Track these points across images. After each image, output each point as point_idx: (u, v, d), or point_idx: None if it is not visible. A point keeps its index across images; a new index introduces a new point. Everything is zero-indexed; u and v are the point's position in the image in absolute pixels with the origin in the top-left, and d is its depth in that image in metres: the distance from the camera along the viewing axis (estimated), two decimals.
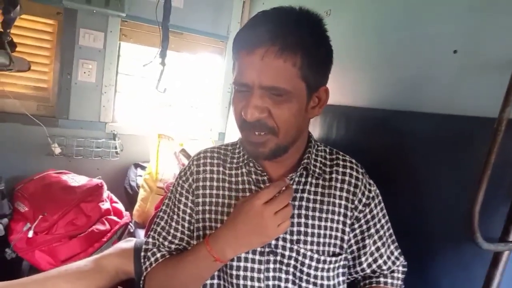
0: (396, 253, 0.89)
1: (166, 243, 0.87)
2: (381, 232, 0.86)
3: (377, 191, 0.88)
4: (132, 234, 1.79)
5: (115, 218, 1.75)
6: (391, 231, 0.89)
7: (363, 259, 0.86)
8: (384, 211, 0.88)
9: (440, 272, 0.88)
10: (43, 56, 1.99)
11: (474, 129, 0.86)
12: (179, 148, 2.06)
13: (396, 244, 0.89)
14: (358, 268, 0.87)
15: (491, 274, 0.75)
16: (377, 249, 0.86)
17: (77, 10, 1.94)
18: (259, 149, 0.75)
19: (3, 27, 1.44)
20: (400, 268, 0.89)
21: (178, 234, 0.87)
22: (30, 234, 1.53)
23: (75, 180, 1.79)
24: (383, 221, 0.87)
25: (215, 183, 0.86)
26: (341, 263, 0.83)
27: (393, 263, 0.88)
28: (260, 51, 0.68)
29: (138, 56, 2.21)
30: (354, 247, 0.86)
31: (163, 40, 1.75)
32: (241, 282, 0.79)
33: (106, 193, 1.84)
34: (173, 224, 0.88)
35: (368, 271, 0.87)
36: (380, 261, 0.86)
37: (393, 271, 0.88)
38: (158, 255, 0.85)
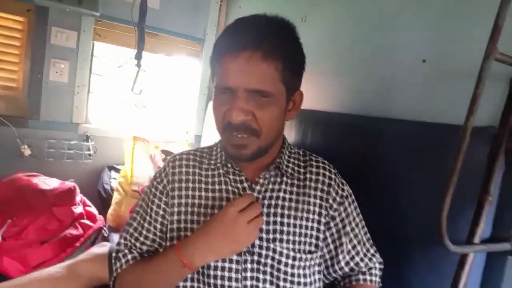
0: (372, 250, 0.91)
1: (138, 244, 0.87)
2: (356, 230, 0.89)
3: (350, 190, 0.92)
4: (106, 239, 1.76)
5: (88, 222, 1.71)
6: (365, 229, 0.92)
7: (340, 257, 0.88)
8: (358, 209, 0.92)
9: (411, 273, 0.91)
10: (13, 54, 1.92)
11: (444, 136, 0.89)
12: (155, 151, 2.04)
13: (371, 241, 0.92)
14: (337, 267, 0.89)
15: (458, 274, 0.79)
16: (354, 247, 0.88)
17: (48, 8, 1.89)
18: (242, 151, 0.77)
19: None
20: (377, 265, 0.92)
21: (150, 235, 0.86)
22: None
23: (46, 183, 1.73)
24: (357, 219, 0.90)
25: (190, 184, 0.87)
26: (317, 261, 0.86)
27: (370, 260, 0.90)
28: (245, 55, 0.71)
29: (112, 56, 2.17)
30: (332, 246, 0.88)
31: (139, 42, 1.74)
32: (219, 282, 0.79)
33: (79, 197, 1.79)
34: (146, 225, 0.87)
35: (346, 269, 0.89)
36: (357, 259, 0.89)
37: (370, 268, 0.91)
38: (129, 256, 0.85)
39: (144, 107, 2.36)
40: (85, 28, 2.02)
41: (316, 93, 1.38)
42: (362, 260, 0.90)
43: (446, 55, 0.98)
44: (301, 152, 0.94)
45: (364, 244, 0.91)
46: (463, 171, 0.68)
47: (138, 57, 1.76)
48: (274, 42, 0.72)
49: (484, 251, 0.82)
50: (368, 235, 0.93)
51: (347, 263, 0.89)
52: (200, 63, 2.44)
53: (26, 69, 1.94)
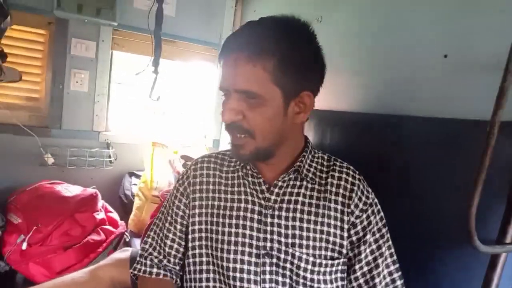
0: (396, 276, 0.84)
1: (161, 243, 0.92)
2: (380, 242, 0.83)
3: (376, 200, 0.87)
4: (128, 244, 1.78)
5: (110, 227, 1.73)
6: (392, 249, 0.85)
7: (357, 267, 0.83)
8: (384, 223, 0.86)
9: (439, 274, 0.88)
10: (35, 66, 1.98)
11: (468, 132, 0.87)
12: (174, 156, 2.05)
13: (397, 265, 0.85)
14: (352, 276, 0.84)
15: (489, 276, 0.75)
16: (374, 259, 0.83)
17: (68, 20, 1.94)
18: (240, 151, 0.79)
19: None
20: None
21: (170, 235, 0.91)
22: (24, 246, 1.51)
23: (69, 190, 1.77)
24: (383, 231, 0.85)
25: (211, 186, 0.89)
26: (339, 267, 0.83)
27: (387, 284, 0.84)
28: (233, 57, 0.74)
29: (131, 65, 2.21)
30: (350, 254, 0.84)
31: (155, 49, 1.76)
32: (238, 283, 0.80)
33: (100, 203, 1.82)
34: (167, 225, 0.93)
35: (361, 281, 0.83)
36: (374, 272, 0.82)
37: None
38: (154, 270, 0.90)
39: (163, 114, 2.38)
40: (104, 38, 2.06)
41: (335, 93, 1.36)
42: (379, 274, 0.82)
43: (468, 48, 0.94)
44: (325, 157, 0.91)
45: (386, 259, 0.84)
46: (492, 167, 0.65)
47: (156, 64, 1.79)
48: (263, 42, 0.73)
49: None
50: (395, 257, 0.85)
51: (363, 274, 0.83)
52: (216, 68, 2.45)
53: (48, 80, 2.00)
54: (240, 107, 0.75)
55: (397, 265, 0.85)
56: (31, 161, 1.97)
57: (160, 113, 2.38)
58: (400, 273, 0.85)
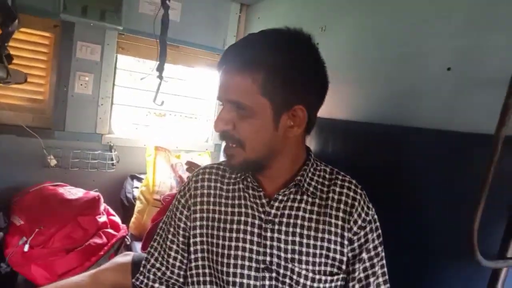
0: None
1: (165, 255, 0.91)
2: (375, 261, 0.83)
3: (375, 216, 0.86)
4: (128, 247, 1.78)
5: (112, 231, 1.74)
6: (384, 268, 0.85)
7: (350, 284, 0.82)
8: (381, 240, 0.85)
9: (442, 287, 0.89)
10: (40, 68, 1.99)
11: (471, 145, 0.87)
12: (176, 160, 2.06)
13: (387, 285, 0.84)
14: None
15: None
16: (366, 277, 0.82)
17: (74, 23, 1.95)
18: (231, 161, 0.80)
19: (1, 40, 1.44)
20: None
21: (174, 246, 0.90)
22: (26, 248, 1.51)
23: (72, 192, 1.78)
24: (378, 249, 0.84)
25: (212, 199, 0.88)
26: (339, 283, 0.82)
27: None
28: (226, 68, 0.77)
29: (135, 69, 2.22)
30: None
31: (160, 55, 1.76)
32: None
33: (102, 206, 1.83)
34: (170, 236, 0.91)
35: None
36: None
37: None
38: (156, 285, 0.90)
39: (165, 117, 2.39)
40: (109, 42, 2.08)
41: (337, 102, 1.37)
42: None
43: (472, 62, 0.95)
44: (328, 170, 0.89)
45: (378, 278, 0.83)
46: (495, 182, 0.66)
47: (160, 69, 1.79)
48: (255, 54, 0.73)
49: None
50: (387, 277, 0.84)
51: None
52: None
53: (52, 82, 2.01)
54: (231, 117, 0.76)
55: (388, 285, 0.84)
56: (34, 163, 1.98)
57: (163, 117, 2.39)
58: None
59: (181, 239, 0.89)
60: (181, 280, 0.90)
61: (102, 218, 1.75)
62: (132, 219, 1.91)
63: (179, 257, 0.89)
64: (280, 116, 0.76)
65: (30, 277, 1.51)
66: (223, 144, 0.83)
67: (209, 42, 2.36)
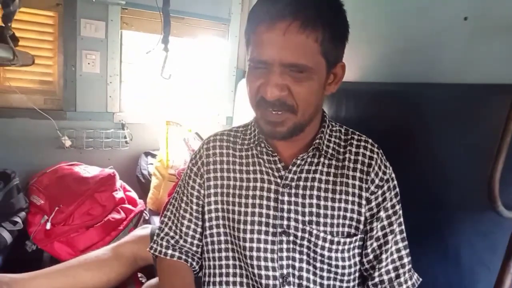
0: (405, 261, 0.81)
1: (178, 224, 0.91)
2: (392, 219, 0.81)
3: (393, 175, 0.84)
4: (147, 222, 1.82)
5: (129, 206, 1.77)
6: (402, 227, 0.83)
7: (368, 243, 0.81)
8: (398, 199, 0.83)
9: (460, 241, 0.87)
10: (46, 49, 1.98)
11: (489, 96, 0.83)
12: (188, 134, 2.06)
13: (406, 242, 0.82)
14: (363, 252, 0.83)
15: None
16: (384, 235, 0.81)
17: (76, 0, 1.92)
18: (277, 128, 0.73)
19: (4, 21, 1.42)
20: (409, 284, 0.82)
21: (187, 215, 0.89)
22: (48, 226, 1.56)
23: (87, 171, 1.80)
24: (397, 207, 0.82)
25: (225, 166, 0.87)
26: (357, 243, 0.81)
27: (396, 268, 0.81)
28: (282, 26, 0.65)
29: (141, 44, 2.19)
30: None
31: (164, 26, 1.72)
32: (255, 262, 0.80)
33: (119, 183, 1.85)
34: (183, 205, 0.91)
35: (371, 256, 0.81)
36: (383, 248, 0.80)
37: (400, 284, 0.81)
38: (169, 251, 0.89)
39: (175, 92, 2.37)
40: (112, 18, 2.04)
41: (350, 63, 1.32)
42: (388, 251, 0.80)
43: (490, 9, 0.90)
44: (343, 130, 0.87)
45: (396, 235, 0.81)
46: None
47: (165, 41, 1.76)
48: (314, 10, 0.66)
49: None
50: (404, 234, 0.83)
51: (373, 250, 0.81)
52: (227, 44, 2.42)
53: (60, 62, 2.00)
54: (285, 81, 0.68)
55: (405, 242, 0.83)
56: (49, 144, 2.00)
57: (172, 92, 2.37)
58: (408, 250, 0.82)
59: (194, 207, 0.89)
60: (194, 248, 0.90)
61: (119, 194, 1.77)
62: (149, 195, 1.94)
63: (192, 225, 0.89)
64: (329, 74, 0.75)
65: (54, 254, 1.55)
66: (256, 112, 0.76)
67: (214, 12, 2.30)
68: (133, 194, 1.90)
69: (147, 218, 1.84)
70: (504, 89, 0.81)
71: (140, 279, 1.25)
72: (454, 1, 0.99)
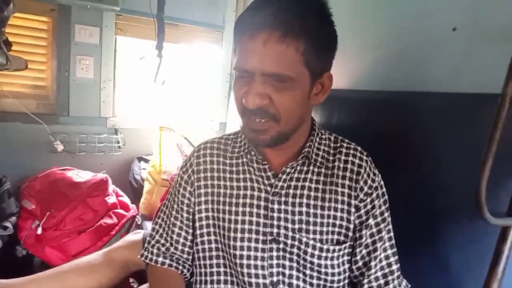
0: (394, 268, 0.82)
1: (169, 232, 0.91)
2: (381, 226, 0.81)
3: (382, 182, 0.84)
4: (139, 227, 1.81)
5: (122, 211, 1.77)
6: (391, 234, 0.83)
7: (357, 250, 0.82)
8: (387, 206, 0.84)
9: (449, 248, 0.88)
10: (40, 54, 1.98)
11: (480, 106, 0.85)
12: (181, 140, 2.06)
13: (394, 249, 0.83)
14: (352, 259, 0.83)
15: (499, 248, 0.74)
16: (373, 242, 0.81)
17: (71, 6, 1.93)
18: (260, 136, 0.74)
19: None
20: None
21: (178, 223, 0.90)
22: (39, 231, 1.55)
23: (80, 175, 1.80)
24: (385, 214, 0.83)
25: (215, 174, 0.87)
26: (346, 251, 0.82)
27: (385, 275, 0.81)
28: (262, 36, 0.66)
29: (135, 50, 2.20)
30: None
31: (158, 32, 1.74)
32: (245, 270, 0.80)
33: (111, 187, 1.85)
34: (173, 213, 0.91)
35: (360, 263, 0.82)
36: (372, 256, 0.81)
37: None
38: (160, 259, 0.89)
39: (168, 98, 2.37)
40: (107, 24, 2.05)
41: (341, 71, 1.34)
42: (376, 259, 0.81)
43: (478, 21, 0.92)
44: (332, 138, 0.87)
45: (385, 243, 0.82)
46: (502, 139, 0.64)
47: (159, 47, 1.77)
48: (296, 21, 0.66)
49: None
50: (393, 241, 0.83)
51: (362, 257, 0.82)
52: (221, 50, 2.44)
53: (53, 67, 2.00)
54: (266, 91, 0.69)
55: (394, 249, 0.83)
56: (42, 149, 1.99)
57: (165, 97, 2.37)
58: (397, 257, 0.83)
59: (185, 215, 0.89)
60: (185, 256, 0.90)
61: (112, 199, 1.77)
62: (142, 200, 1.94)
63: (183, 233, 0.89)
64: (314, 84, 0.74)
65: (45, 259, 1.54)
66: (241, 120, 0.77)
67: (208, 19, 2.32)
68: (125, 199, 1.90)
69: (139, 223, 1.84)
70: (490, 98, 0.83)
71: (132, 284, 1.24)
72: (443, 12, 1.01)
